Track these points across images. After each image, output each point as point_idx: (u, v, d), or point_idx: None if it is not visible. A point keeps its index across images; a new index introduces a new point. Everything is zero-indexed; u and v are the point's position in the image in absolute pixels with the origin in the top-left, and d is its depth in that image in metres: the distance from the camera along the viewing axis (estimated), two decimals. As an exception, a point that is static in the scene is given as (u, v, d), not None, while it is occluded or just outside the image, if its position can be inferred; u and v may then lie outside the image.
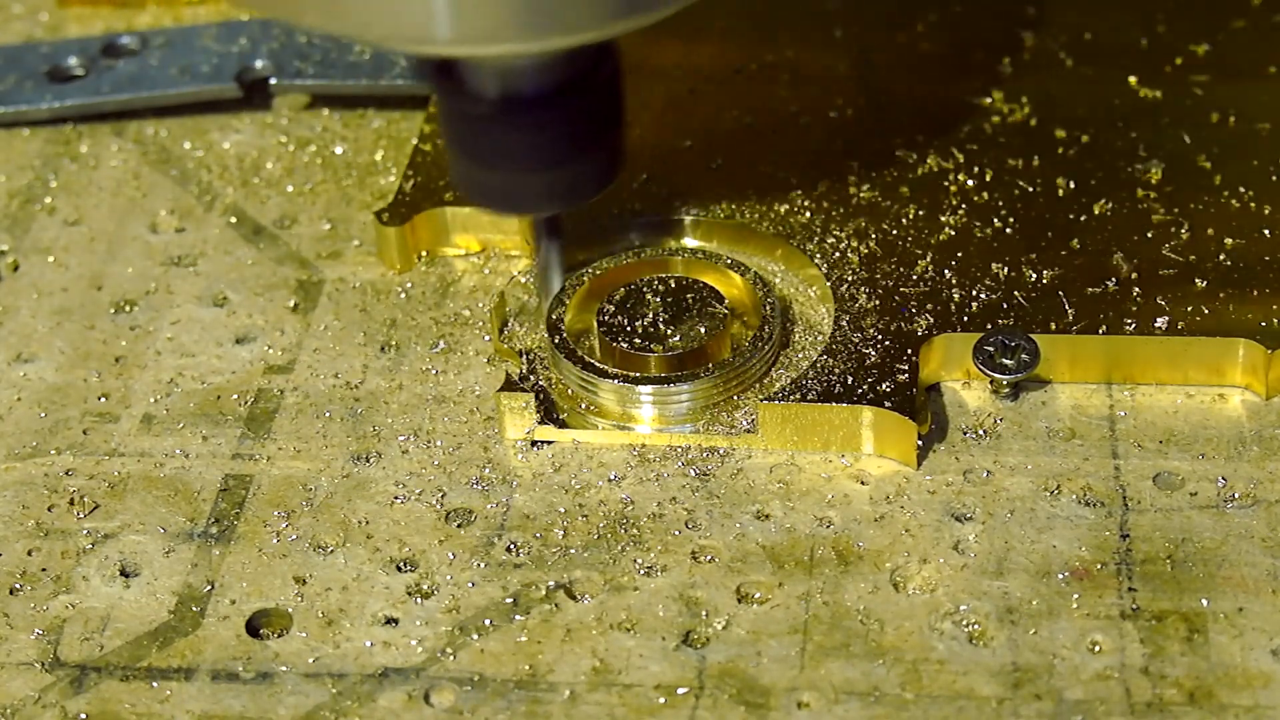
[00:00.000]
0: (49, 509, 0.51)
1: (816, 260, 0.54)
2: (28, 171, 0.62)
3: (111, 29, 0.67)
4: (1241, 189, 0.55)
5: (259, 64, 0.63)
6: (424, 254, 0.57)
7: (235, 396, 0.53)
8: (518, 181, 0.48)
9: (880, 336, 0.51)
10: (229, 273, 0.57)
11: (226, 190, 0.61)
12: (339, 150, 0.62)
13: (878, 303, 0.52)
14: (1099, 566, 0.47)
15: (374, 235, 0.57)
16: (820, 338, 0.53)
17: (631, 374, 0.51)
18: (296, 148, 0.62)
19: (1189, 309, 0.51)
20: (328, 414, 0.53)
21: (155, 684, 0.46)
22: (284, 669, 0.46)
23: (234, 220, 0.59)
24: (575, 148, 0.47)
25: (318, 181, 0.61)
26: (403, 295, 0.56)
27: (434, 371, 0.54)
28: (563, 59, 0.45)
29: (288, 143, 0.62)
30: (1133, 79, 0.59)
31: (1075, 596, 0.46)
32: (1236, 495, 0.49)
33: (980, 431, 0.51)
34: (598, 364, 0.51)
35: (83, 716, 0.46)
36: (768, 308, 0.52)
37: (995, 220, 0.55)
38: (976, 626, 0.46)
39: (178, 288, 0.57)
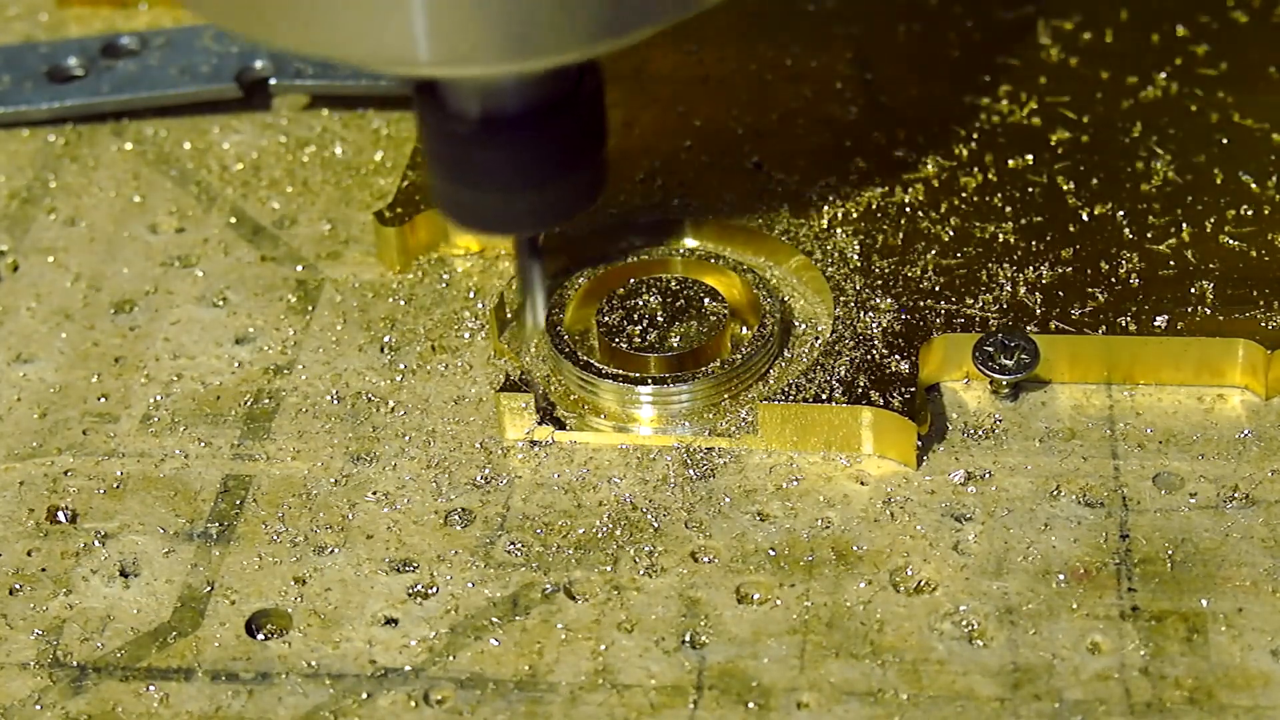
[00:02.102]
0: (48, 509, 0.51)
1: (816, 260, 0.54)
2: (28, 171, 0.62)
3: (111, 29, 0.67)
4: (1241, 189, 0.55)
5: (259, 64, 0.63)
6: (424, 254, 0.57)
7: (235, 396, 0.53)
8: (498, 202, 0.47)
9: (880, 337, 0.51)
10: (229, 273, 0.57)
11: (226, 190, 0.61)
12: (339, 150, 0.62)
13: (877, 302, 0.52)
14: (1098, 567, 0.47)
15: (374, 235, 0.57)
16: (820, 338, 0.53)
17: (631, 374, 0.51)
18: (296, 148, 0.62)
19: (1189, 309, 0.51)
20: (328, 414, 0.53)
21: (155, 684, 0.46)
22: (284, 669, 0.46)
23: (234, 220, 0.59)
24: (556, 167, 0.46)
25: (317, 182, 0.61)
26: (402, 295, 0.56)
27: (434, 371, 0.54)
28: (545, 78, 0.45)
29: (287, 143, 0.62)
30: (1133, 79, 0.59)
31: (1074, 597, 0.46)
32: (1236, 495, 0.49)
33: (980, 431, 0.51)
34: (597, 364, 0.51)
35: (83, 717, 0.46)
36: (767, 307, 0.52)
37: (995, 220, 0.55)
38: (976, 626, 0.46)
39: (177, 288, 0.57)
